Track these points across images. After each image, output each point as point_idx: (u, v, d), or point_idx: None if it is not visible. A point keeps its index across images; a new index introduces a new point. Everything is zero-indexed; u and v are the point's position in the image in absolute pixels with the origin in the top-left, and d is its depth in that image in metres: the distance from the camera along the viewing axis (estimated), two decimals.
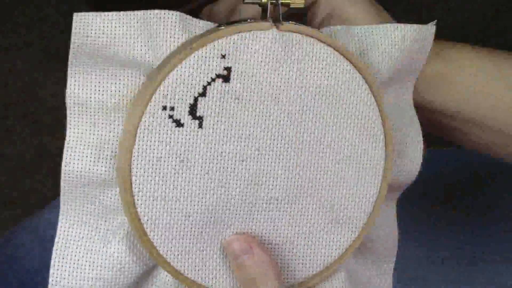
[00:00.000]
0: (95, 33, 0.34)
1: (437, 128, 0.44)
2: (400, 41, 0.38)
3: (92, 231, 0.35)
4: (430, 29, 0.39)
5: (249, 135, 0.35)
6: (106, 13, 0.34)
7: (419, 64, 0.39)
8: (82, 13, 0.34)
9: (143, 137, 0.33)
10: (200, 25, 0.35)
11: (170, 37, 0.34)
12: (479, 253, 0.57)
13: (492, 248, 0.58)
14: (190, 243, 0.35)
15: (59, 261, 0.35)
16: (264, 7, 0.35)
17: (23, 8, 1.12)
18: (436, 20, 0.39)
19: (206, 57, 0.34)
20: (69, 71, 0.34)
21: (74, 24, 0.34)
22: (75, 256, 0.35)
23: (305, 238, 0.37)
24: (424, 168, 0.41)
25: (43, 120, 1.08)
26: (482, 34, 1.18)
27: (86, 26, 0.34)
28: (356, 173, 0.37)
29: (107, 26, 0.34)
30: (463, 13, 1.18)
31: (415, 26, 0.38)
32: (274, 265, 0.35)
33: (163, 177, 0.34)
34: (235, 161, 0.35)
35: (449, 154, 0.65)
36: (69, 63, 0.34)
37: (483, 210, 0.60)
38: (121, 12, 0.34)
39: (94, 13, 0.34)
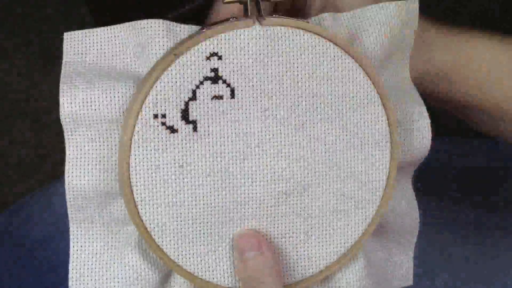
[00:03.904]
0: (86, 50, 0.34)
1: (454, 113, 0.43)
2: (387, 20, 0.38)
3: (104, 245, 0.35)
4: (413, 2, 0.39)
5: (247, 132, 0.35)
6: (94, 29, 0.35)
7: (409, 40, 0.39)
8: (72, 32, 0.34)
9: (138, 147, 0.33)
10: (185, 30, 0.35)
11: (155, 45, 0.34)
12: (489, 251, 0.57)
13: (504, 248, 0.57)
14: (201, 245, 0.35)
15: (77, 280, 0.35)
16: (244, 4, 0.35)
17: (23, 8, 1.12)
18: None
19: (191, 61, 0.34)
20: (60, 90, 0.34)
21: (65, 43, 0.34)
22: (92, 272, 0.35)
23: (318, 228, 0.36)
24: (440, 158, 0.40)
25: (43, 120, 1.08)
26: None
27: (77, 44, 0.34)
28: (362, 157, 0.36)
29: (96, 42, 0.35)
30: (464, 15, 1.18)
31: (398, 2, 0.38)
32: (277, 266, 0.34)
33: (164, 183, 0.34)
34: (237, 160, 0.35)
35: (467, 143, 0.64)
36: (61, 81, 0.34)
37: (496, 207, 0.59)
38: (108, 27, 0.34)
39: (83, 31, 0.34)
